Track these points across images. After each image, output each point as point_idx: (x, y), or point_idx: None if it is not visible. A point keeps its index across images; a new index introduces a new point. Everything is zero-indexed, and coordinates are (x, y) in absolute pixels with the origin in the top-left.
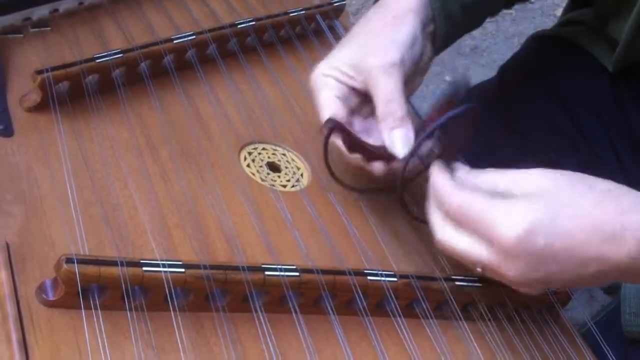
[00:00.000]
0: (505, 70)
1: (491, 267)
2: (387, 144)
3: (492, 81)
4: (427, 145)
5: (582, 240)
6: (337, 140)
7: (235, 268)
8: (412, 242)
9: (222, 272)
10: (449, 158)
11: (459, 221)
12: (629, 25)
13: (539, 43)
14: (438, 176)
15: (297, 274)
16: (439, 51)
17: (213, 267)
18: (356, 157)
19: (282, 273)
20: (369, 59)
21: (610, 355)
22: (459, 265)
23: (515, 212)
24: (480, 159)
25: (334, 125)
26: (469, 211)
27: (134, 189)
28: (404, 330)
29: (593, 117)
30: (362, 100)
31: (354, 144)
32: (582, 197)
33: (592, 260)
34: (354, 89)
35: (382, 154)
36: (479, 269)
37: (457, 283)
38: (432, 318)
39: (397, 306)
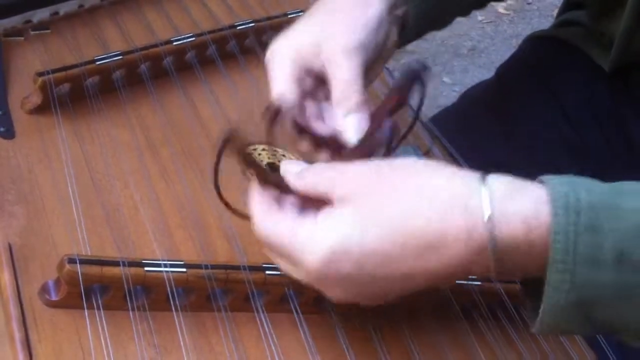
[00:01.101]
0: (503, 70)
1: (314, 289)
2: (340, 128)
3: (491, 82)
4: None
5: (394, 258)
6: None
7: (237, 268)
8: None
9: (223, 271)
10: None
11: (270, 248)
12: (622, 26)
13: (536, 44)
14: (251, 197)
15: None
16: (408, 39)
17: (214, 266)
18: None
19: (282, 273)
20: (331, 39)
21: (610, 353)
22: None
23: (316, 237)
24: (476, 160)
25: (278, 109)
26: (272, 242)
27: (135, 189)
28: (405, 330)
29: (590, 117)
30: (317, 83)
31: (301, 127)
32: (394, 205)
33: (415, 273)
34: (310, 70)
35: (331, 141)
36: None
37: (457, 282)
38: (433, 317)
39: (398, 306)
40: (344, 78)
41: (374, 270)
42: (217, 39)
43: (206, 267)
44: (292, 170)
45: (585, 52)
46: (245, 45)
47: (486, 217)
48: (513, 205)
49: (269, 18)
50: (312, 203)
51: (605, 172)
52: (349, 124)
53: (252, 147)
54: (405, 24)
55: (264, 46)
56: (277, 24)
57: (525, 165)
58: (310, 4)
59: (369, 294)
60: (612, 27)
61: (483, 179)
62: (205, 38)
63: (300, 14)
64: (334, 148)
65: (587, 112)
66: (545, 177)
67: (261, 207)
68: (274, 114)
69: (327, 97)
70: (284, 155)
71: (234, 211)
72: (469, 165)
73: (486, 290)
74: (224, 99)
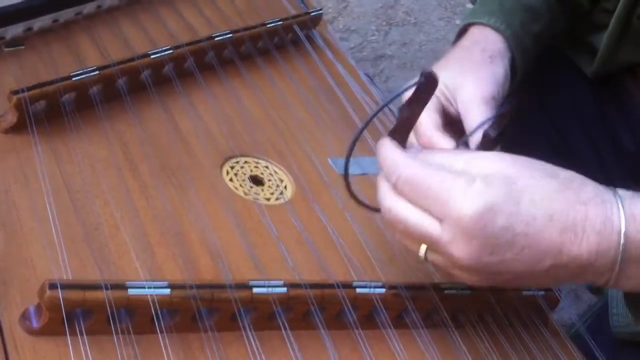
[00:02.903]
0: None
1: (440, 245)
2: None
3: None
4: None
5: (541, 227)
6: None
7: (222, 286)
8: (399, 251)
9: (208, 291)
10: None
11: (411, 193)
12: (606, 37)
13: None
14: (388, 147)
15: (284, 289)
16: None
17: (199, 286)
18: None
19: (269, 289)
20: (466, 89)
21: (601, 357)
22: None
23: (474, 189)
24: None
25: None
26: (423, 183)
27: (115, 207)
28: (394, 341)
29: (575, 121)
30: (446, 122)
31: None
32: (542, 182)
33: (550, 251)
34: (444, 111)
35: None
36: (421, 253)
37: (445, 291)
38: (422, 327)
39: (387, 317)
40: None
41: (518, 235)
42: (195, 51)
43: (191, 287)
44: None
45: (567, 56)
46: (223, 56)
47: (621, 214)
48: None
49: (246, 28)
50: None
51: (592, 173)
52: None
53: (234, 160)
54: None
55: (242, 57)
56: (256, 34)
57: None
58: (288, 12)
59: (496, 261)
60: (597, 39)
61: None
62: (183, 50)
63: (279, 23)
64: None
65: (572, 117)
66: None
67: (402, 154)
68: (427, 81)
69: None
70: (266, 167)
71: (363, 204)
72: None
73: (475, 297)
74: (203, 111)
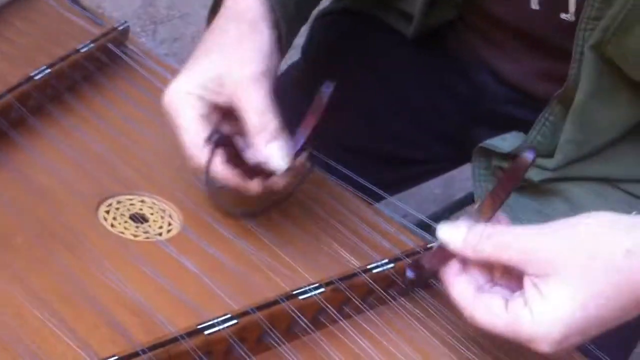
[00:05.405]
0: (307, 51)
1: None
2: (264, 158)
3: (299, 63)
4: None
5: (617, 317)
6: (216, 158)
7: (175, 340)
8: (314, 248)
9: (163, 350)
10: None
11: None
12: (419, 4)
13: (328, 20)
14: (450, 286)
15: (235, 321)
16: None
17: (152, 348)
18: (233, 177)
19: (220, 327)
20: (235, 70)
21: None
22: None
23: (543, 327)
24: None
25: (220, 138)
26: (495, 330)
27: (5, 293)
28: (350, 332)
29: (408, 81)
30: (223, 117)
31: (236, 159)
32: (600, 268)
33: (634, 314)
34: (215, 106)
35: (264, 170)
36: None
37: (374, 271)
38: (368, 311)
39: (334, 312)
40: (257, 108)
41: (598, 329)
42: (19, 96)
43: (143, 351)
44: (456, 239)
45: (382, 20)
46: (49, 94)
47: None
48: None
49: (62, 58)
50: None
51: (431, 130)
52: (274, 152)
53: (106, 204)
54: (280, 41)
55: (69, 89)
56: (74, 62)
57: (352, 140)
58: (91, 35)
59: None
60: (409, 4)
61: None
62: (7, 99)
63: (91, 45)
64: (264, 175)
65: (404, 77)
66: None
67: (466, 295)
68: (216, 145)
69: (238, 128)
70: (142, 201)
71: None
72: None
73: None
74: (53, 158)
